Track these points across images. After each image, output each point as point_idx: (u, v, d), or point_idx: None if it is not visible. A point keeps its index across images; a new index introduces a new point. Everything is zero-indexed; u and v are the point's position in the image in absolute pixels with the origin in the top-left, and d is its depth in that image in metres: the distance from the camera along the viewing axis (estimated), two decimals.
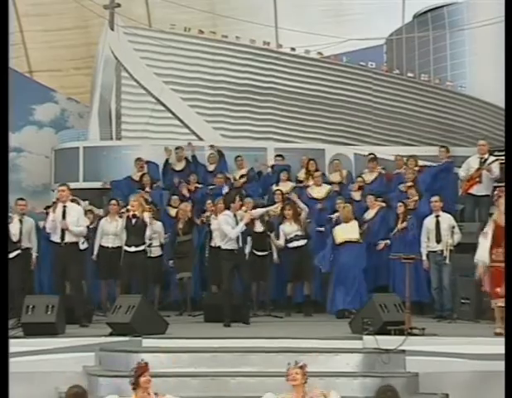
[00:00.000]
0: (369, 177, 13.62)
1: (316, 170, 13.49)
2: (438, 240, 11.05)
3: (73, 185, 13.58)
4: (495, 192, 10.88)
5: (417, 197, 12.07)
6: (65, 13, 19.63)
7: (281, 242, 11.72)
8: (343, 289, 11.21)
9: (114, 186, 13.86)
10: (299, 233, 11.70)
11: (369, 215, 12.25)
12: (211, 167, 14.12)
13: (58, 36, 19.95)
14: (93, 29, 18.57)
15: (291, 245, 11.71)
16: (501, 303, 8.56)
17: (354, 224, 11.49)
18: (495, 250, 9.02)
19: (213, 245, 11.79)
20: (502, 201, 9.07)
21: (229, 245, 10.17)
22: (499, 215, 9.19)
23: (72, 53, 19.97)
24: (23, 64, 20.32)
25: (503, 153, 10.04)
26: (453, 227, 10.92)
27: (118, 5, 15.34)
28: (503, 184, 10.38)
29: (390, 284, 11.58)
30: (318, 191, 13.04)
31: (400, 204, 11.90)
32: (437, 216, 11.22)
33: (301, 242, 11.71)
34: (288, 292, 11.83)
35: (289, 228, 11.73)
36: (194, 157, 14.25)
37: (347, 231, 11.43)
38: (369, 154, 13.98)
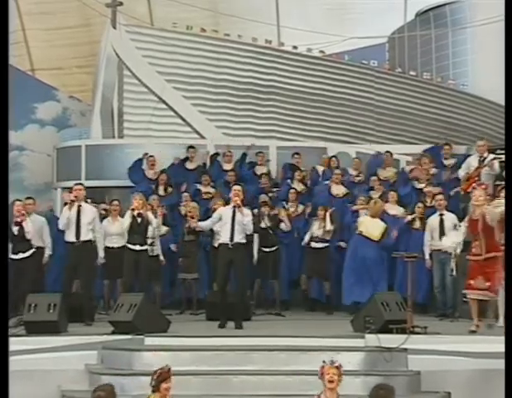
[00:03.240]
0: (384, 173, 13.60)
1: (337, 167, 13.50)
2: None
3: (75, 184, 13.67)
4: (473, 185, 10.65)
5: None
6: (67, 12, 19.64)
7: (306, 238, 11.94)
8: (359, 282, 11.12)
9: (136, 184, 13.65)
10: (325, 237, 11.85)
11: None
12: (227, 166, 14.00)
13: (60, 34, 19.95)
14: (95, 27, 18.56)
15: (314, 244, 11.87)
16: (473, 295, 8.99)
17: (379, 222, 11.39)
18: (474, 244, 9.10)
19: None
20: (476, 192, 9.12)
21: (223, 239, 10.03)
22: (472, 208, 9.23)
23: (74, 51, 19.96)
24: (25, 62, 20.32)
25: (504, 152, 10.03)
26: (456, 226, 10.89)
27: (121, 3, 15.32)
28: (503, 182, 10.38)
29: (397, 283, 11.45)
30: (338, 189, 13.00)
31: (419, 205, 11.79)
32: (442, 215, 11.21)
33: (323, 244, 11.87)
34: (302, 286, 11.93)
35: (317, 230, 11.86)
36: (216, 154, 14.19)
37: (371, 226, 11.32)
38: (386, 152, 13.98)
